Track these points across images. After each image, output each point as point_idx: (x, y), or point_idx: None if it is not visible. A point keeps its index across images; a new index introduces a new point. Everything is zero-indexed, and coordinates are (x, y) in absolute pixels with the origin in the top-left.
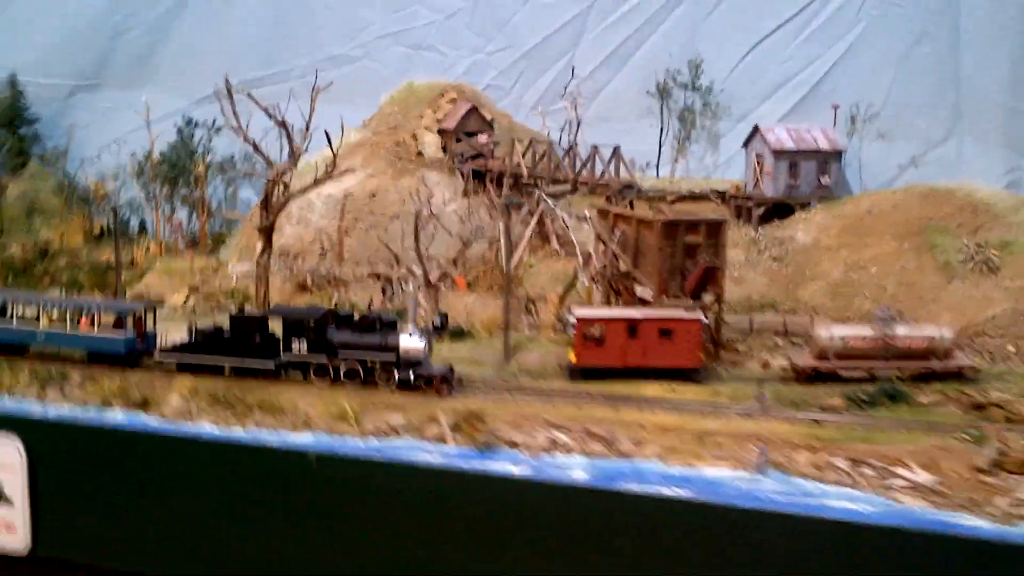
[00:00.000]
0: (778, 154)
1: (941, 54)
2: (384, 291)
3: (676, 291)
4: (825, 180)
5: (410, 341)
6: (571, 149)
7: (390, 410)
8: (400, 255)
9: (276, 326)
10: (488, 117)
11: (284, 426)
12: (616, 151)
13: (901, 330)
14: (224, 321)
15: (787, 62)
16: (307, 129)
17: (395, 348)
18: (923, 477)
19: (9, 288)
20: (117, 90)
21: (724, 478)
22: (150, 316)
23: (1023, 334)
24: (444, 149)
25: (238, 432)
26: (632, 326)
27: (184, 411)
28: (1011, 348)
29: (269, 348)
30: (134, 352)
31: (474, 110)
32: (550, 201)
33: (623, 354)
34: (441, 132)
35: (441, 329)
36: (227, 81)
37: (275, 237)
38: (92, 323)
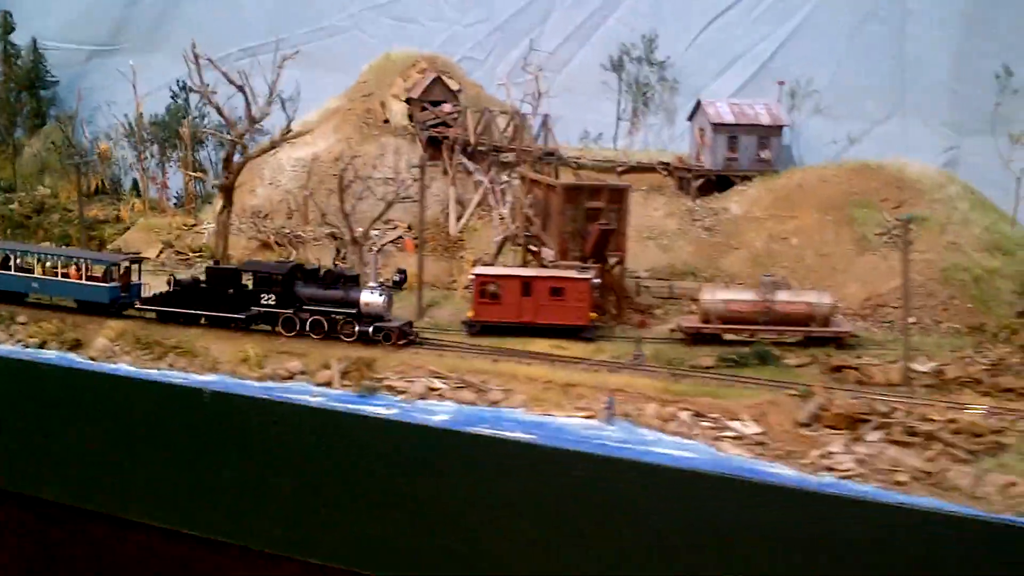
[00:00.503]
0: (717, 127)
1: (888, 34)
2: (338, 251)
3: (577, 253)
4: (765, 154)
5: (370, 296)
6: (513, 118)
7: (290, 356)
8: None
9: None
10: (455, 87)
11: (194, 367)
12: (545, 120)
13: (782, 296)
14: (201, 274)
15: (741, 39)
16: (271, 95)
17: (356, 302)
18: (751, 429)
19: (8, 240)
20: (132, 55)
21: (573, 426)
22: (135, 268)
23: (923, 304)
24: (411, 117)
25: (151, 371)
26: (525, 284)
27: (108, 351)
28: (912, 319)
29: (241, 300)
30: (118, 301)
31: (439, 80)
32: (483, 171)
33: (517, 311)
34: (408, 101)
35: (400, 284)
36: (193, 47)
37: (248, 197)
38: (81, 274)
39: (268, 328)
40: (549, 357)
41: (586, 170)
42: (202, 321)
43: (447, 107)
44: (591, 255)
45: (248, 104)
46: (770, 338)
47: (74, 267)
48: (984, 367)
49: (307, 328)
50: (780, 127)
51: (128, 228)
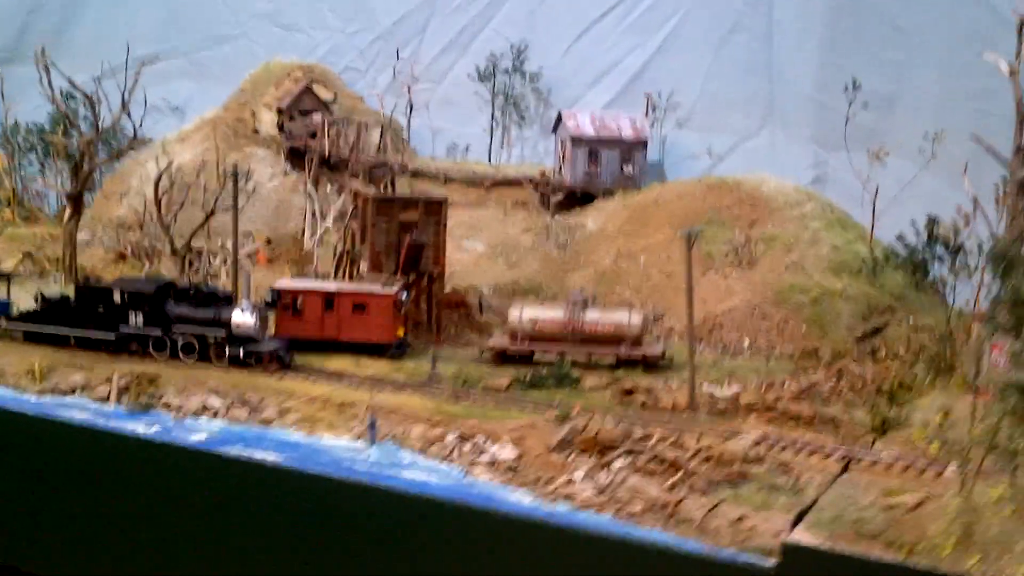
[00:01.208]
0: (576, 141)
1: (755, 46)
2: (190, 263)
3: (391, 267)
4: (628, 169)
5: (241, 316)
6: (359, 128)
7: (74, 369)
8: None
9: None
10: (329, 97)
11: None
12: (383, 130)
13: (591, 315)
14: (70, 291)
15: (612, 50)
16: (123, 104)
17: (227, 322)
18: (508, 453)
19: None
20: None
21: (333, 447)
22: (2, 284)
23: (757, 327)
24: (280, 127)
25: None
26: (328, 299)
27: None
28: (746, 341)
29: (112, 319)
30: None
31: (308, 90)
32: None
33: (319, 327)
34: (279, 111)
35: (273, 304)
36: (43, 52)
37: (115, 207)
38: None
39: (139, 350)
40: (327, 375)
41: (455, 183)
42: (71, 342)
43: (317, 117)
44: (403, 269)
45: (95, 113)
46: (577, 358)
47: None
48: (793, 393)
49: (179, 350)
50: (644, 142)
51: None
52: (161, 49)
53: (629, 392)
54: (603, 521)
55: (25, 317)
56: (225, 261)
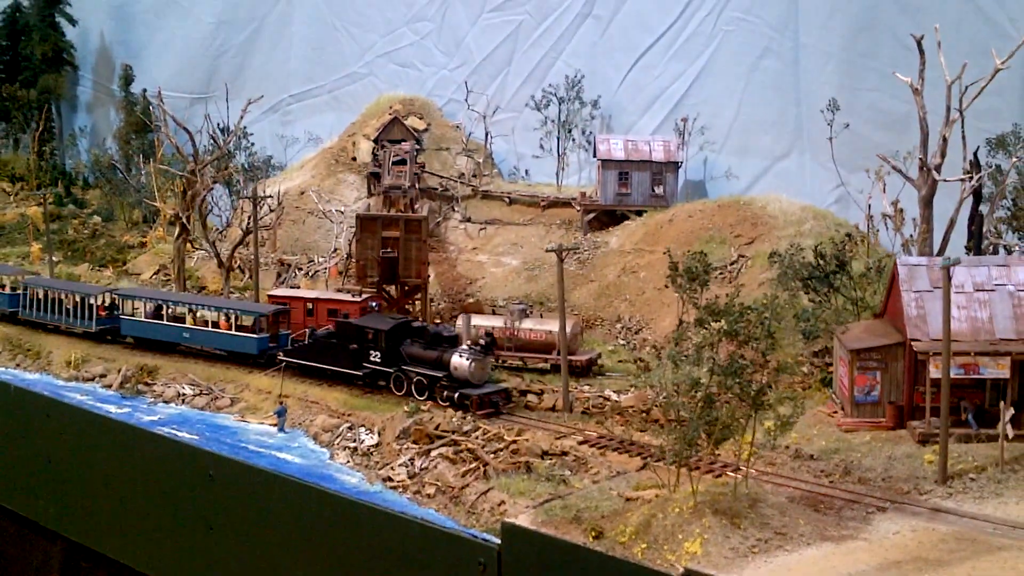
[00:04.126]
0: (607, 163)
1: (783, 70)
2: (279, 275)
3: (375, 279)
4: (659, 190)
5: (458, 360)
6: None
7: (100, 361)
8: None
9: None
10: (422, 127)
11: (32, 366)
12: (409, 156)
13: (527, 324)
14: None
15: (659, 78)
16: (226, 133)
17: (447, 365)
18: (371, 440)
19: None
20: (217, 102)
21: (252, 430)
22: (283, 319)
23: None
24: (374, 155)
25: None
26: (309, 305)
27: None
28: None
29: (359, 356)
30: (267, 352)
31: (396, 120)
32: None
33: (303, 328)
34: (375, 141)
35: (489, 348)
36: (158, 94)
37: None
38: (230, 324)
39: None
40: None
41: (518, 204)
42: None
43: (405, 145)
44: (381, 281)
45: (193, 143)
46: (518, 364)
47: (223, 317)
48: None
49: (412, 389)
50: (675, 163)
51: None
52: (310, 87)
53: (523, 393)
54: (393, 499)
55: (297, 351)
56: (307, 274)
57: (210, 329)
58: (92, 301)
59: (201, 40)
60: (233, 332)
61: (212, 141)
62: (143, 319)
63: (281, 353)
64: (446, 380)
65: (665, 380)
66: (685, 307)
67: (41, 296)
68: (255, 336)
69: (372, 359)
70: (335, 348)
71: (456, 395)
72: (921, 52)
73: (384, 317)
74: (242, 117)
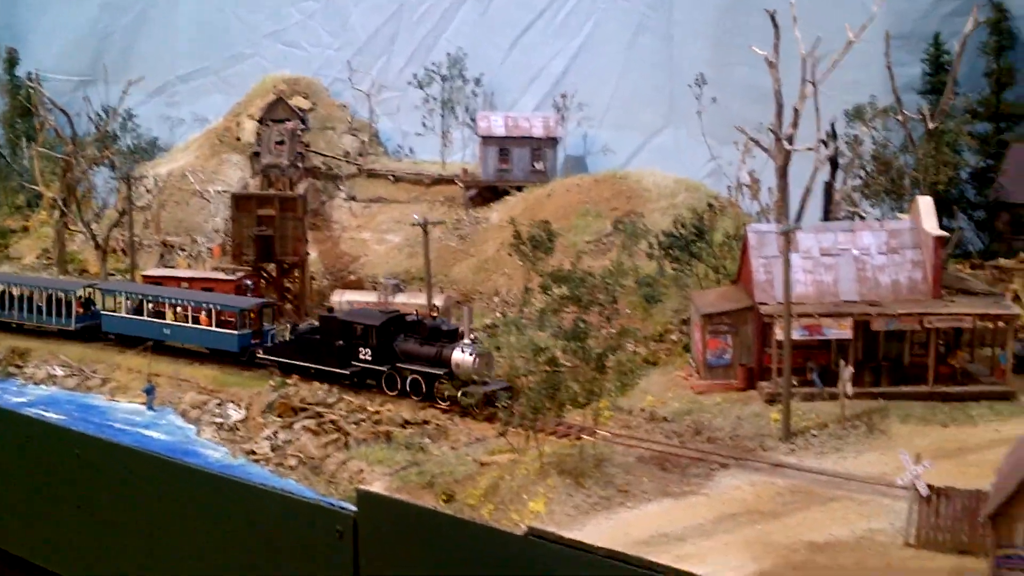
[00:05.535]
0: (487, 140)
1: (658, 46)
2: (161, 256)
3: (251, 257)
4: (539, 165)
5: (461, 356)
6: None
7: None
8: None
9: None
10: (306, 106)
11: None
12: (292, 135)
13: (399, 298)
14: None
15: (539, 55)
16: (106, 115)
17: (448, 361)
18: (238, 416)
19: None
20: (101, 85)
21: (122, 408)
22: (267, 313)
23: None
24: (258, 135)
25: None
26: (184, 284)
27: None
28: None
29: (347, 353)
30: (249, 349)
31: (280, 100)
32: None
33: None
34: (260, 121)
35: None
36: (36, 76)
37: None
38: (211, 320)
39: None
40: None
41: (403, 182)
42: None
43: (289, 125)
44: (257, 259)
45: (71, 126)
46: None
47: (204, 313)
48: None
49: (408, 388)
50: (554, 139)
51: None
52: (197, 68)
53: None
54: (255, 472)
55: (277, 349)
56: (189, 254)
57: (190, 325)
58: (70, 297)
59: (88, 22)
60: (214, 328)
61: (93, 124)
62: (125, 315)
63: (261, 351)
64: (447, 378)
65: (508, 346)
66: (531, 275)
67: (8, 293)
68: (236, 333)
69: (361, 356)
70: (320, 345)
71: (460, 393)
72: (775, 26)
73: (375, 311)
74: (122, 98)
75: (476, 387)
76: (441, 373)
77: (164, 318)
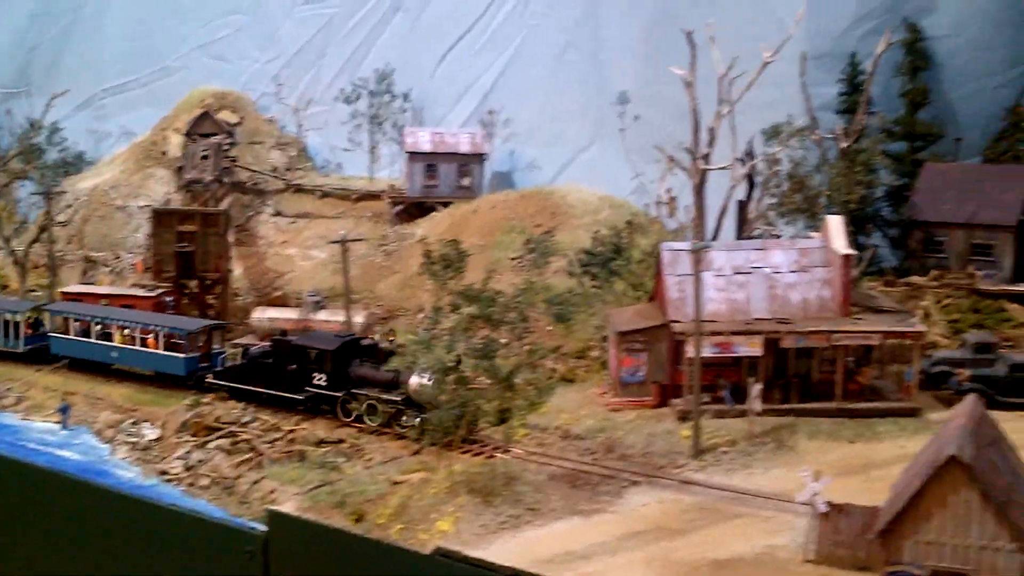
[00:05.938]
0: (414, 156)
1: (585, 63)
2: (84, 272)
3: (171, 274)
4: (465, 181)
5: (418, 379)
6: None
7: None
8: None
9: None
10: (234, 120)
11: None
12: (217, 150)
13: (321, 315)
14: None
15: (467, 70)
16: (31, 127)
17: (404, 385)
18: (151, 435)
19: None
20: (31, 97)
21: (35, 427)
22: (216, 335)
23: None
24: (184, 149)
25: None
26: (104, 302)
27: None
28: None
29: (301, 378)
30: (196, 373)
31: (207, 115)
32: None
33: None
34: (187, 135)
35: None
36: None
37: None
38: (158, 343)
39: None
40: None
41: (330, 198)
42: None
43: (215, 139)
44: (178, 275)
45: None
46: None
47: (152, 336)
48: None
49: (363, 414)
50: (481, 155)
51: None
52: (127, 80)
53: None
54: (167, 492)
55: (228, 373)
56: (112, 269)
57: (138, 348)
58: (18, 319)
59: (15, 33)
60: (161, 352)
61: (15, 138)
62: (74, 337)
63: (211, 376)
64: (404, 404)
65: (416, 364)
66: (441, 294)
67: None
68: (182, 356)
69: (316, 382)
70: (271, 369)
71: (418, 420)
72: (692, 45)
73: (329, 335)
74: (47, 111)
75: (440, 412)
76: (398, 399)
77: (112, 340)
